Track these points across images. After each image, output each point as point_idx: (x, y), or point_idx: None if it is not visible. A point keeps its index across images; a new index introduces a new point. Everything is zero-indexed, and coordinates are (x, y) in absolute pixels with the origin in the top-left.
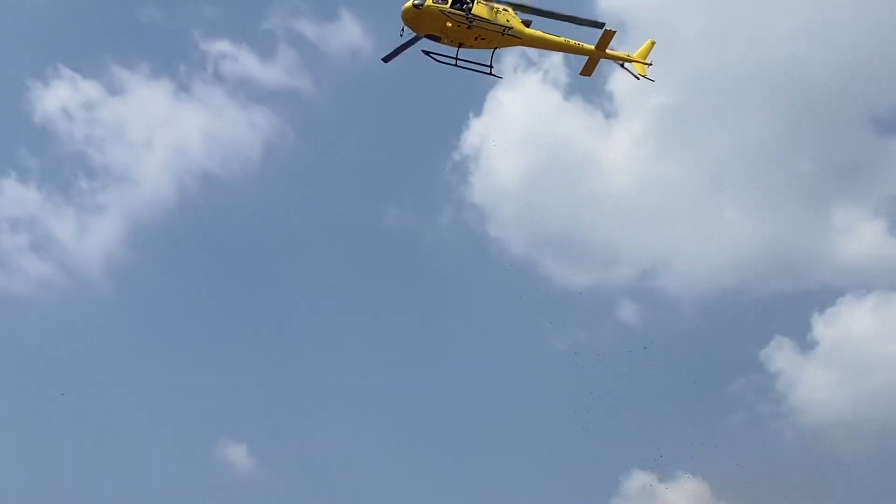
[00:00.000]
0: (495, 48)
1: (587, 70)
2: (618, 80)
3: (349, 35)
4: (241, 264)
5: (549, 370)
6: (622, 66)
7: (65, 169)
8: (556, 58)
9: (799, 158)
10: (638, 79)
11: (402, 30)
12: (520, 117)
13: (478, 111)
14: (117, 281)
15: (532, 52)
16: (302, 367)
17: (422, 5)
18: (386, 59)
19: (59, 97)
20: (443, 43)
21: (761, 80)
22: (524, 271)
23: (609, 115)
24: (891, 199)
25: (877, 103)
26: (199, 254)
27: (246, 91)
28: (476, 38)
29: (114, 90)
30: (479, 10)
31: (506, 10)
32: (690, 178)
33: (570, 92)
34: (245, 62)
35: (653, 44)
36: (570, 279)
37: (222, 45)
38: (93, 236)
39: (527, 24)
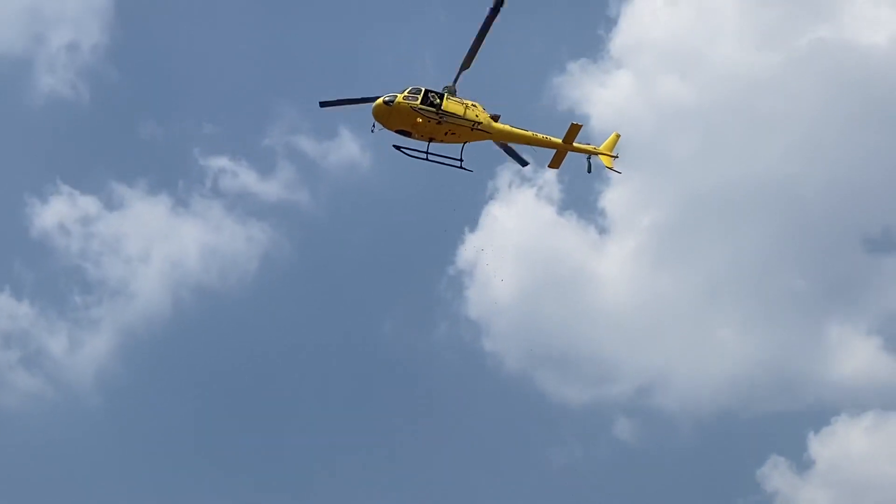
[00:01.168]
0: (465, 142)
1: (555, 163)
2: (610, 198)
3: (347, 151)
4: (233, 376)
5: (546, 488)
6: (588, 159)
7: (59, 283)
8: (550, 174)
9: (792, 276)
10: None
11: (374, 125)
12: (514, 232)
13: (473, 226)
14: (108, 395)
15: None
16: (297, 483)
17: (392, 102)
18: (322, 104)
19: (57, 212)
20: (413, 138)
21: (753, 198)
22: (520, 386)
23: (602, 230)
24: (884, 317)
25: (868, 222)
26: (192, 367)
27: (244, 205)
28: (446, 133)
29: (112, 206)
30: (449, 105)
31: (474, 106)
32: (684, 295)
33: (563, 208)
34: (244, 178)
35: (618, 136)
36: (566, 395)
37: (221, 162)
38: (85, 350)
39: (495, 118)
